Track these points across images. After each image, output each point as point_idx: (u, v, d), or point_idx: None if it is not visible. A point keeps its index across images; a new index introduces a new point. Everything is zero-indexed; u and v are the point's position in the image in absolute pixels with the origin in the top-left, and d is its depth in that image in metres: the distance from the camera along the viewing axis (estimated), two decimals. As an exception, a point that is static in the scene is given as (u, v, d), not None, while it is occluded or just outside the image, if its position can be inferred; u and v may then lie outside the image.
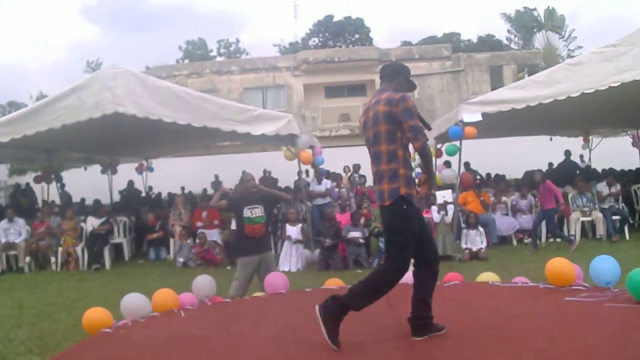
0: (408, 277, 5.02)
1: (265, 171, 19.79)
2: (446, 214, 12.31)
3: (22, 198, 19.44)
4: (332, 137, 31.64)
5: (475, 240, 12.22)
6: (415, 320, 4.91)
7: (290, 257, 11.91)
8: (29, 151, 16.97)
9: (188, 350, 4.96)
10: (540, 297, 6.04)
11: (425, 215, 12.39)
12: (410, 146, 4.91)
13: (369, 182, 14.24)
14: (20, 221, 14.12)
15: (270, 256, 8.18)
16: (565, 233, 13.36)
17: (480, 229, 12.43)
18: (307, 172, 16.68)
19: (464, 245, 12.29)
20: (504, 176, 18.96)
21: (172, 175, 22.60)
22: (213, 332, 5.52)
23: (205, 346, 5.08)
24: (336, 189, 14.59)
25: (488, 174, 18.91)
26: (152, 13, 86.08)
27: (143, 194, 21.38)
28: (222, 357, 4.85)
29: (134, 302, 6.27)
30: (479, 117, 12.07)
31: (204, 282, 7.03)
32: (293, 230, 12.17)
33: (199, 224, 14.31)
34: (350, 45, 44.80)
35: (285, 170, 17.11)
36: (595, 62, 11.77)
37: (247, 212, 7.79)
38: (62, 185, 20.71)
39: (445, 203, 12.30)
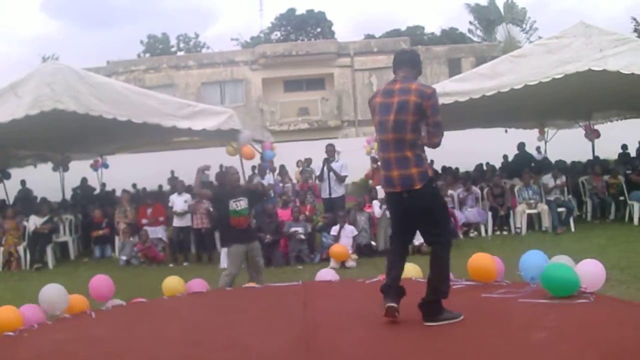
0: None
1: (221, 166, 19.65)
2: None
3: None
4: (291, 131, 31.62)
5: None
6: (423, 306, 5.08)
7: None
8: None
9: (87, 353, 4.89)
10: (457, 294, 5.96)
11: (367, 210, 12.44)
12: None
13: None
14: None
15: (256, 246, 8.23)
16: (512, 225, 13.46)
17: None
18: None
19: None
20: (456, 169, 19.02)
21: (128, 171, 22.35)
22: (117, 334, 5.46)
23: (103, 349, 5.00)
24: (280, 184, 14.54)
25: (443, 167, 18.88)
26: (118, 7, 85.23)
27: (97, 191, 21.12)
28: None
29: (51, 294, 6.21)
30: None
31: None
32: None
33: (144, 221, 14.14)
34: (313, 39, 44.75)
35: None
36: (538, 54, 11.77)
37: (232, 205, 7.91)
38: (23, 182, 20.56)
39: (386, 198, 12.27)
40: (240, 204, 7.97)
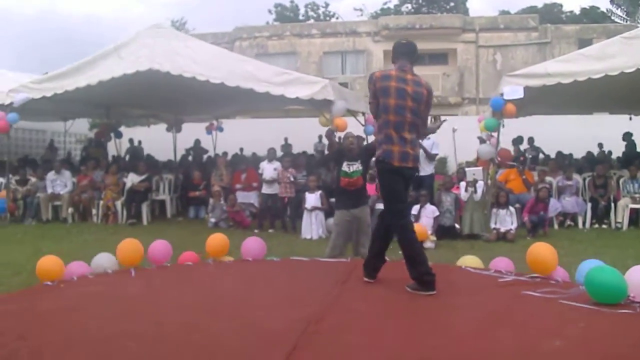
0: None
1: (320, 137, 19.63)
2: (475, 191, 11.81)
3: (94, 151, 19.86)
4: (410, 106, 31.13)
5: (505, 220, 11.56)
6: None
7: (311, 225, 11.73)
8: (87, 106, 17.42)
9: (99, 309, 4.94)
10: (497, 288, 5.69)
11: (455, 192, 12.03)
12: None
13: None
14: (67, 173, 14.61)
15: (362, 214, 8.05)
16: (612, 220, 12.67)
17: (511, 209, 11.73)
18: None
19: (492, 225, 11.63)
20: (569, 155, 18.17)
21: (243, 135, 22.56)
22: (143, 294, 5.48)
23: (117, 306, 5.06)
24: (373, 158, 14.26)
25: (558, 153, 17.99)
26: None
27: (211, 154, 21.54)
28: (127, 318, 4.80)
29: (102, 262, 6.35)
30: (520, 94, 11.44)
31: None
32: (312, 198, 11.96)
33: (237, 185, 14.30)
34: (445, 13, 43.77)
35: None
36: (655, 36, 11.00)
37: (345, 167, 7.93)
38: (131, 140, 21.36)
39: (475, 180, 11.79)
40: (352, 167, 7.92)
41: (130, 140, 21.75)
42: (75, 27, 79.14)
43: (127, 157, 19.98)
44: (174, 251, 8.89)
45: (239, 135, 22.14)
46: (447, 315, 4.89)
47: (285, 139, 20.74)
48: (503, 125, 12.46)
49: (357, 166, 7.91)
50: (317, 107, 12.53)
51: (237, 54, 30.51)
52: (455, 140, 13.84)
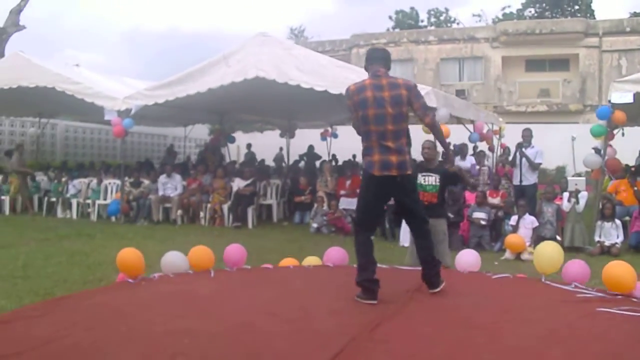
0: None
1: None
2: (577, 202, 11.42)
3: (209, 156, 20.53)
4: (529, 113, 30.43)
5: (610, 233, 11.04)
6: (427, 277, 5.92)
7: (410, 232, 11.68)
8: (203, 113, 18.10)
9: (168, 308, 5.14)
10: (571, 304, 5.49)
11: (557, 202, 11.70)
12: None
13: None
14: (177, 177, 15.23)
15: (437, 224, 7.66)
16: None
17: (617, 221, 11.16)
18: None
19: (596, 238, 11.15)
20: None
21: (357, 142, 22.63)
22: (214, 294, 5.67)
23: (187, 306, 5.27)
24: (477, 167, 14.10)
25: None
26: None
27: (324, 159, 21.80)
28: (191, 316, 4.99)
29: (172, 260, 6.59)
30: (629, 99, 11.03)
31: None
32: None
33: (342, 192, 14.47)
34: (569, 17, 42.44)
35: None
36: None
37: (420, 179, 7.74)
38: (249, 146, 21.96)
39: (577, 190, 11.41)
40: (428, 179, 7.73)
41: (248, 146, 22.33)
42: (200, 41, 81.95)
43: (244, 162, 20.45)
44: (272, 254, 9.25)
45: (353, 142, 22.23)
46: (507, 329, 4.76)
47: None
48: (623, 134, 12.06)
49: (433, 180, 7.69)
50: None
51: (355, 61, 31.08)
52: (574, 149, 13.45)
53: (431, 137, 8.86)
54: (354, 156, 20.70)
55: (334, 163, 18.85)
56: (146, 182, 15.63)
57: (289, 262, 7.47)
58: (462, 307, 5.34)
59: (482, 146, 16.00)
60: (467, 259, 7.28)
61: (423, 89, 11.94)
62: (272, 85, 12.75)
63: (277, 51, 12.73)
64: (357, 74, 12.35)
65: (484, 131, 15.38)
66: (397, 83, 5.67)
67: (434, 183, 7.68)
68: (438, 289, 5.75)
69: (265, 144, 22.75)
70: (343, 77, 12.26)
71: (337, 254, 7.55)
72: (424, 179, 7.72)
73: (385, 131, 5.54)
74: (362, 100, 5.60)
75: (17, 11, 29.03)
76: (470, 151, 15.07)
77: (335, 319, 4.94)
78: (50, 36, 77.95)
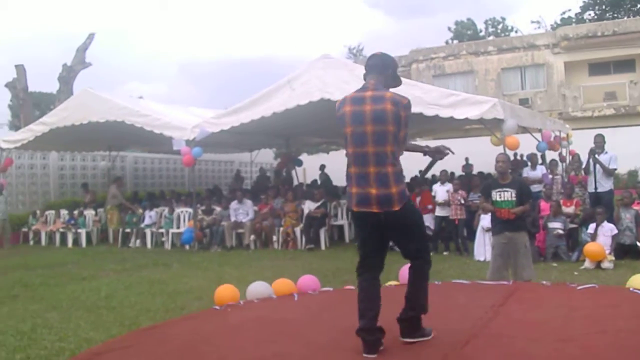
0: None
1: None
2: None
3: (277, 179, 20.70)
4: (595, 118, 29.76)
5: None
6: (403, 321, 4.89)
7: (485, 246, 11.57)
8: (268, 137, 18.32)
9: (260, 331, 5.22)
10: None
11: (635, 207, 11.44)
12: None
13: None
14: (249, 202, 15.41)
15: (518, 237, 7.62)
16: None
17: None
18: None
19: None
20: None
21: (421, 157, 22.48)
22: (300, 317, 5.72)
23: (277, 328, 5.33)
24: (550, 176, 13.89)
25: None
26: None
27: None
28: (281, 340, 5.04)
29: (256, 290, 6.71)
30: None
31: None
32: (486, 218, 11.81)
33: (413, 208, 14.38)
34: (631, 16, 41.54)
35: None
36: None
37: (494, 195, 7.68)
38: (322, 167, 22.08)
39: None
40: (504, 195, 7.62)
41: (322, 167, 22.40)
42: (261, 67, 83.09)
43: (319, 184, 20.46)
44: (348, 275, 9.28)
45: (419, 157, 22.08)
46: (600, 340, 4.66)
47: (466, 159, 20.50)
48: None
49: (509, 195, 7.55)
50: (488, 126, 12.45)
51: (415, 77, 31.06)
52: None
53: (473, 151, 8.90)
54: (420, 172, 20.64)
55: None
56: (218, 209, 15.86)
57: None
58: (550, 320, 5.25)
59: (551, 155, 15.78)
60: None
61: (489, 101, 11.94)
62: (333, 106, 12.82)
63: (341, 72, 12.82)
64: (420, 90, 12.44)
65: (552, 139, 15.19)
66: (383, 96, 4.63)
67: (509, 199, 7.57)
68: (412, 340, 4.79)
69: (333, 165, 22.80)
70: (407, 94, 12.21)
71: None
72: (499, 194, 7.63)
73: (366, 154, 4.59)
74: (341, 116, 4.77)
75: (83, 49, 30.00)
76: (540, 160, 14.84)
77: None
78: (113, 71, 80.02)
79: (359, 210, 4.65)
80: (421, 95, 12.23)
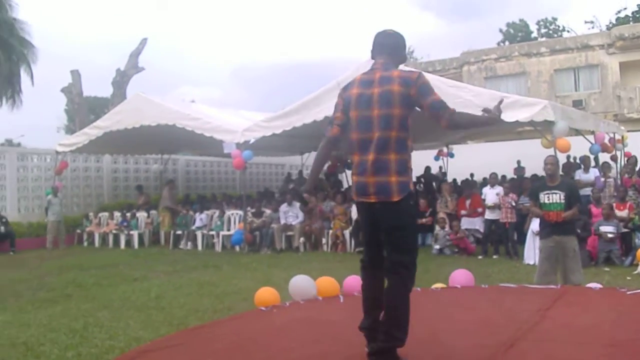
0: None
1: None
2: None
3: (324, 182, 20.78)
4: (652, 120, 29.18)
5: None
6: (374, 354, 4.34)
7: (535, 250, 11.41)
8: (319, 140, 18.25)
9: (305, 332, 5.26)
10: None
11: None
12: None
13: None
14: (298, 205, 15.43)
15: (567, 241, 7.52)
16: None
17: None
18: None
19: None
20: None
21: (475, 160, 22.34)
22: (349, 319, 5.71)
23: (321, 330, 5.36)
24: (602, 179, 13.67)
25: None
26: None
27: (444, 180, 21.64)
28: (325, 341, 5.08)
29: (299, 284, 6.75)
30: None
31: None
32: (537, 221, 11.67)
33: (462, 212, 14.33)
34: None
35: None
36: None
37: (542, 197, 7.62)
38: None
39: None
40: (552, 197, 7.55)
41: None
42: (313, 70, 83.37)
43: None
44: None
45: (471, 160, 22.00)
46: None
47: (518, 162, 20.32)
48: None
49: (557, 197, 7.45)
50: (538, 128, 12.32)
51: (466, 79, 30.80)
52: None
53: (526, 154, 8.75)
54: (472, 175, 20.49)
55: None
56: (268, 211, 15.97)
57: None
58: (598, 324, 5.19)
59: (605, 157, 15.52)
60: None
61: (540, 103, 11.79)
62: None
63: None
64: (470, 93, 12.37)
65: (606, 141, 14.95)
66: (391, 76, 4.26)
67: (558, 201, 7.48)
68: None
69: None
70: (458, 96, 12.23)
71: (463, 276, 7.49)
72: (547, 197, 7.54)
73: (369, 139, 4.26)
74: (347, 99, 4.44)
75: (136, 54, 30.55)
76: (593, 163, 14.62)
77: (468, 339, 4.91)
78: (166, 75, 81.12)
79: (359, 199, 4.40)
80: (471, 98, 12.16)
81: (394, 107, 4.20)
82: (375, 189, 4.22)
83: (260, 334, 5.42)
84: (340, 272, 7.48)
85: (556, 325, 5.20)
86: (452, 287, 7.31)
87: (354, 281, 7.25)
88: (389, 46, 4.50)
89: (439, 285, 7.50)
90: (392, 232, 4.26)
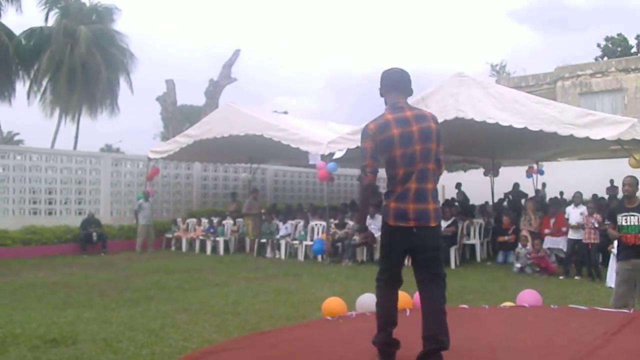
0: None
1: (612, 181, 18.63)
2: None
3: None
4: None
5: None
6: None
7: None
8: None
9: (365, 342, 5.29)
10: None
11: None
12: None
13: None
14: (380, 217, 15.46)
15: None
16: None
17: None
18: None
19: None
20: None
21: (565, 178, 21.90)
22: (411, 332, 5.76)
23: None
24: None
25: None
26: (582, 9, 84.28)
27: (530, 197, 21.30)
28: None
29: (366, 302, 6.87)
30: None
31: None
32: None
33: (546, 230, 14.12)
34: None
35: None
36: None
37: (620, 220, 7.51)
38: (458, 185, 22.04)
39: None
40: (631, 219, 7.38)
41: (458, 185, 22.29)
42: (425, 84, 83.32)
43: (456, 203, 20.29)
44: (472, 295, 9.35)
45: (562, 178, 21.61)
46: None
47: (611, 181, 19.80)
48: None
49: (636, 220, 7.27)
50: (625, 147, 12.10)
51: (560, 94, 30.24)
52: None
53: (618, 172, 8.57)
54: (562, 193, 20.09)
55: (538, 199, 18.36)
56: (351, 223, 16.08)
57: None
58: None
59: None
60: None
61: (628, 121, 11.58)
62: (472, 124, 12.82)
63: (474, 91, 12.81)
64: (554, 109, 12.23)
65: None
66: (424, 115, 4.77)
67: (637, 223, 7.30)
68: None
69: (470, 183, 22.61)
70: (542, 113, 12.13)
71: (531, 296, 7.43)
72: (625, 219, 7.38)
73: (412, 172, 4.64)
74: (387, 140, 4.68)
75: (229, 65, 31.33)
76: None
77: (524, 359, 4.92)
78: (262, 85, 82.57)
79: (396, 224, 4.71)
80: (556, 115, 12.06)
81: (432, 142, 4.69)
82: (418, 214, 4.65)
83: (322, 342, 5.59)
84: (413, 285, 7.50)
85: (618, 350, 5.11)
86: (520, 306, 7.26)
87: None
88: (405, 85, 4.92)
89: (507, 303, 7.47)
90: (430, 253, 4.79)
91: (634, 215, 7.33)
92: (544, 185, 21.47)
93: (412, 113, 4.74)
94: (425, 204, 4.65)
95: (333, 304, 7.13)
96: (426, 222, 4.66)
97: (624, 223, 7.40)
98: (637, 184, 7.66)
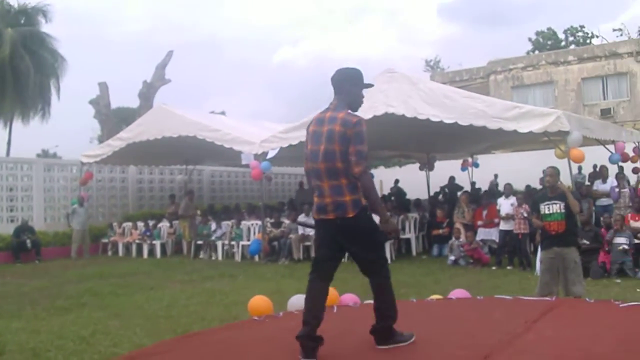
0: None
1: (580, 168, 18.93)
2: None
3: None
4: (681, 130, 28.76)
5: None
6: (374, 332, 5.11)
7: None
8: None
9: (292, 341, 5.30)
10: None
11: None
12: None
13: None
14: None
15: (568, 253, 7.60)
16: None
17: None
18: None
19: None
20: None
21: (500, 170, 22.15)
22: (340, 329, 5.82)
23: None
24: (616, 189, 13.58)
25: None
26: (512, 6, 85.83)
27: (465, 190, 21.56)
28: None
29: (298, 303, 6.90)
30: None
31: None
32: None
33: (479, 222, 14.35)
34: None
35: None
36: None
37: (543, 209, 7.73)
38: (396, 181, 22.19)
39: None
40: (552, 207, 7.62)
41: (396, 181, 22.47)
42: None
43: (392, 198, 20.41)
44: (405, 289, 9.43)
45: (496, 170, 21.90)
46: None
47: (544, 172, 20.06)
48: None
49: (557, 207, 7.54)
50: (552, 138, 12.35)
51: (493, 88, 30.74)
52: None
53: (553, 163, 8.79)
54: (496, 185, 20.39)
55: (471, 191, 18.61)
56: (286, 221, 16.09)
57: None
58: (581, 337, 5.19)
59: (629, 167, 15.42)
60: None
61: (553, 113, 11.80)
62: (405, 120, 12.94)
63: (404, 86, 12.94)
64: (485, 104, 12.41)
65: (631, 151, 14.86)
66: (336, 117, 4.88)
67: (558, 211, 7.55)
68: (387, 347, 5.01)
69: (406, 178, 22.80)
70: (472, 107, 12.30)
71: (460, 294, 7.56)
72: (548, 207, 7.62)
73: (319, 169, 4.92)
74: (306, 135, 5.15)
75: (162, 66, 31.00)
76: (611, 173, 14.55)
77: (443, 350, 5.00)
78: (198, 86, 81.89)
79: (319, 217, 4.97)
80: (484, 109, 12.24)
81: (335, 144, 4.79)
82: (335, 206, 4.84)
83: (249, 341, 5.59)
84: (355, 282, 7.48)
85: (538, 338, 5.21)
86: (447, 299, 7.36)
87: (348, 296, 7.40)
88: (335, 85, 5.07)
89: (435, 296, 7.56)
90: (357, 239, 4.95)
91: (555, 204, 7.58)
92: (495, 176, 21.67)
93: (329, 114, 4.94)
94: (339, 197, 4.82)
95: (259, 302, 7.20)
96: (344, 214, 4.81)
97: (546, 211, 7.63)
98: (559, 174, 7.87)
